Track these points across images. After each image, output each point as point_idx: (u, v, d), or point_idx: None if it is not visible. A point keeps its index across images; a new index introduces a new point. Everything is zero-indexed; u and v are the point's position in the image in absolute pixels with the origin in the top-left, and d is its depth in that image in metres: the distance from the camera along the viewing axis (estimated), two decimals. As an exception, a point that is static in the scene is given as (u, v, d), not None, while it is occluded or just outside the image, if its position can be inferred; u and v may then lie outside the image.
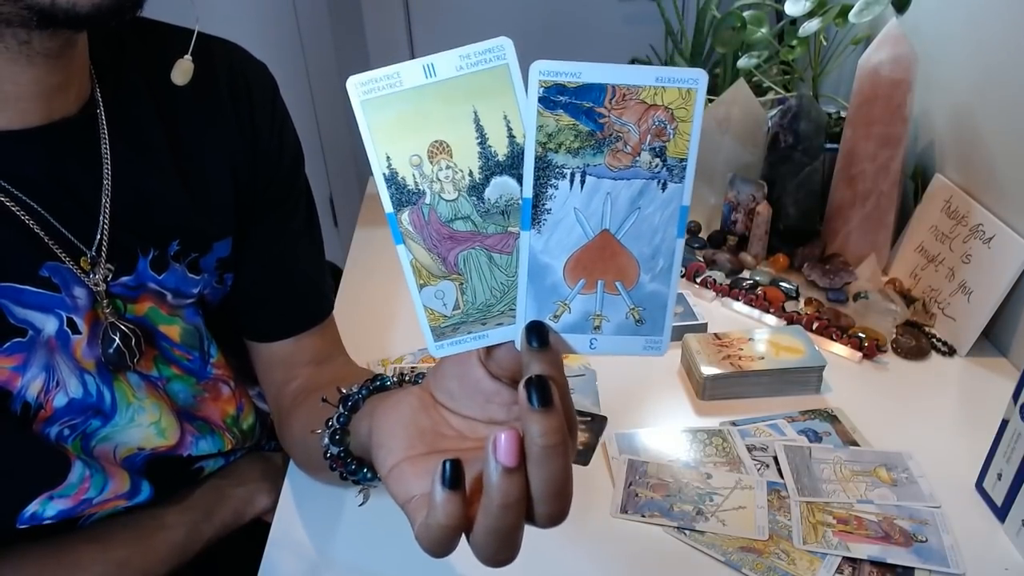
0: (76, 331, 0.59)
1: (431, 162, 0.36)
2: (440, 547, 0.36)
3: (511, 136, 0.35)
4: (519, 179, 0.36)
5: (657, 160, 0.35)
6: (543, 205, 0.36)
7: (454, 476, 0.35)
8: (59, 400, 0.59)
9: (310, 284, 0.75)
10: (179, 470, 0.71)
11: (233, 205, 0.68)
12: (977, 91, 0.94)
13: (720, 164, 1.10)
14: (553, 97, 0.34)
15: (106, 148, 0.60)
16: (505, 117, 0.35)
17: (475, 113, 0.35)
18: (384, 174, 0.36)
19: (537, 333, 0.36)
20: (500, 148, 0.36)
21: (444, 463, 0.35)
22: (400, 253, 0.37)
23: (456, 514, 0.35)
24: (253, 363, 0.75)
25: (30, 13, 0.48)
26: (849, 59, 1.14)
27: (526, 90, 0.34)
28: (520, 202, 0.36)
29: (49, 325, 0.58)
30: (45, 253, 0.57)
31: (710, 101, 1.12)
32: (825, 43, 1.14)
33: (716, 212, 1.13)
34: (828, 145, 1.04)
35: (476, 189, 0.36)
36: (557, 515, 0.36)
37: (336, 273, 1.11)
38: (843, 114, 1.09)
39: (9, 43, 0.51)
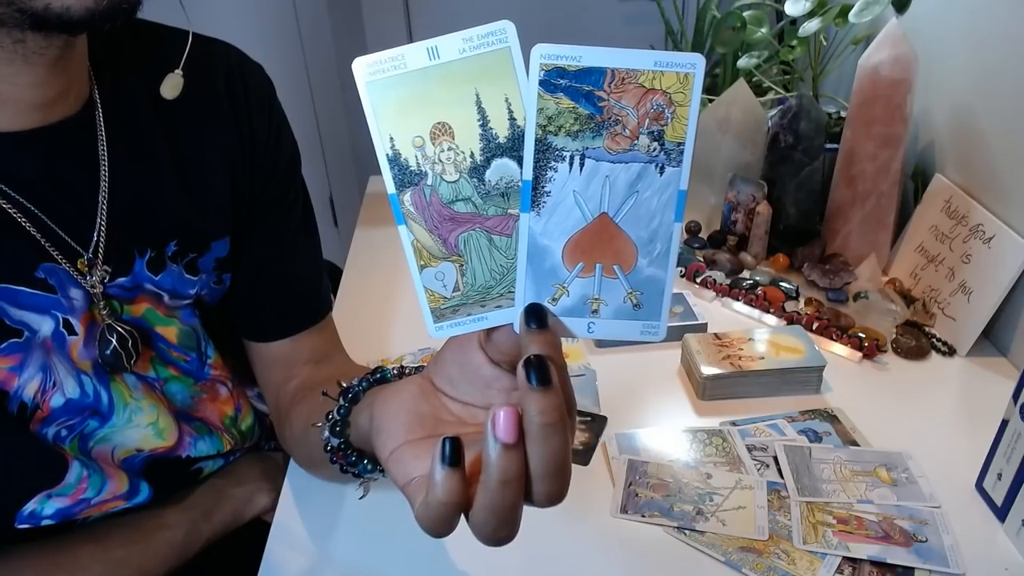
0: (72, 332, 0.59)
1: (433, 143, 0.36)
2: (440, 526, 0.36)
3: (512, 118, 0.36)
4: (519, 161, 0.36)
5: (655, 144, 0.35)
6: (543, 188, 0.36)
7: (454, 453, 0.35)
8: (56, 400, 0.59)
9: (308, 284, 0.75)
10: (178, 471, 0.71)
11: (231, 205, 0.68)
12: (977, 91, 0.94)
13: (720, 164, 1.10)
14: (554, 80, 0.34)
15: (103, 149, 0.60)
16: (506, 99, 0.35)
17: (477, 95, 0.35)
18: (387, 155, 0.36)
19: (536, 315, 0.37)
20: (501, 130, 0.36)
21: (444, 440, 0.35)
22: (401, 234, 0.37)
23: (456, 491, 0.35)
24: (252, 363, 0.75)
25: (22, 16, 0.48)
26: (849, 59, 1.14)
27: (527, 73, 0.35)
28: (520, 184, 0.36)
29: (45, 326, 0.58)
30: (41, 254, 0.57)
31: (710, 101, 1.11)
32: (825, 43, 1.14)
33: (716, 212, 1.13)
34: (828, 145, 1.04)
35: (477, 171, 0.36)
36: (556, 494, 0.36)
37: (336, 273, 1.11)
38: (843, 114, 1.09)
39: (3, 42, 0.50)
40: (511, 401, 0.40)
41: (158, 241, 0.64)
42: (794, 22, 1.08)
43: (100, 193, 0.60)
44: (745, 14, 1.10)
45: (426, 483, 0.36)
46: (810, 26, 1.00)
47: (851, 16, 0.94)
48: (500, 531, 0.36)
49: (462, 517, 0.36)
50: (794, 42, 1.11)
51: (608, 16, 2.24)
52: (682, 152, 0.36)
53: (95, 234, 0.60)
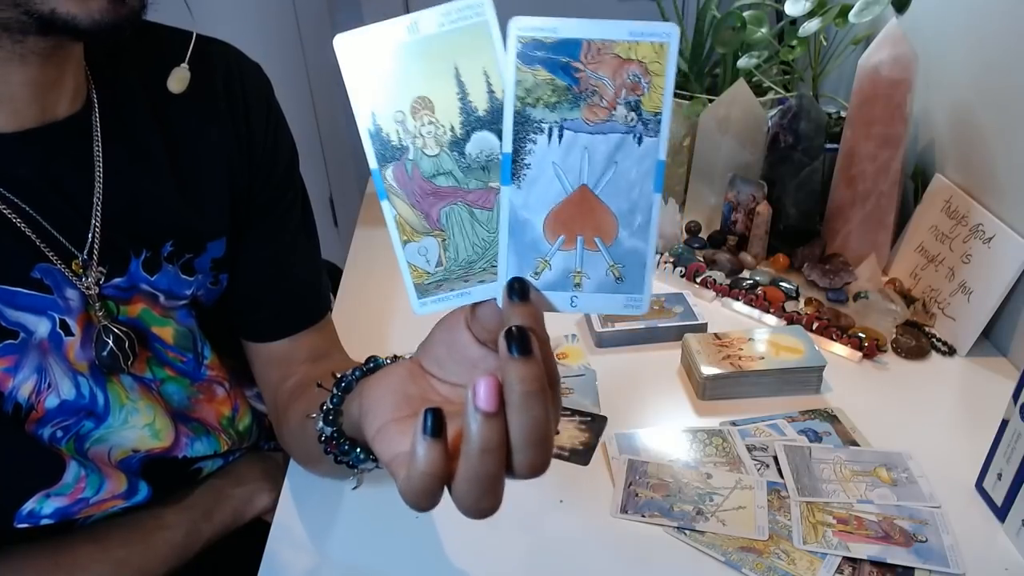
0: (69, 333, 0.59)
1: (414, 118, 0.36)
2: (423, 498, 0.36)
3: (491, 92, 0.36)
4: (499, 134, 0.36)
5: (632, 114, 0.36)
6: (522, 160, 0.36)
7: (435, 424, 0.35)
8: (50, 401, 0.59)
9: (306, 284, 0.75)
10: (176, 471, 0.71)
11: (228, 205, 0.68)
12: (977, 90, 0.94)
13: (720, 164, 1.10)
14: (531, 52, 0.35)
15: (99, 149, 0.60)
16: (485, 73, 0.36)
17: (456, 69, 0.36)
18: (369, 130, 0.36)
19: (518, 288, 0.37)
20: (480, 104, 0.36)
21: (425, 412, 0.35)
22: (384, 209, 0.37)
23: (438, 462, 0.35)
24: (250, 362, 0.75)
25: (28, 19, 0.48)
26: (849, 59, 1.14)
27: (505, 46, 0.35)
28: (500, 157, 0.36)
29: (41, 327, 0.58)
30: (36, 255, 0.57)
31: (710, 101, 1.11)
32: (825, 43, 1.14)
33: (716, 212, 1.13)
34: (828, 145, 1.04)
35: (457, 144, 0.37)
36: (538, 465, 0.36)
37: (336, 273, 1.11)
38: (843, 114, 1.09)
39: (3, 43, 0.51)
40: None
41: (154, 241, 0.64)
42: (794, 22, 1.08)
43: (95, 194, 0.60)
44: (745, 14, 1.10)
45: (410, 456, 0.36)
46: (810, 26, 1.00)
47: (851, 16, 0.94)
48: (482, 502, 0.36)
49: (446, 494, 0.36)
50: (794, 42, 1.11)
51: (608, 16, 2.24)
52: (659, 122, 0.36)
53: (90, 235, 0.60)
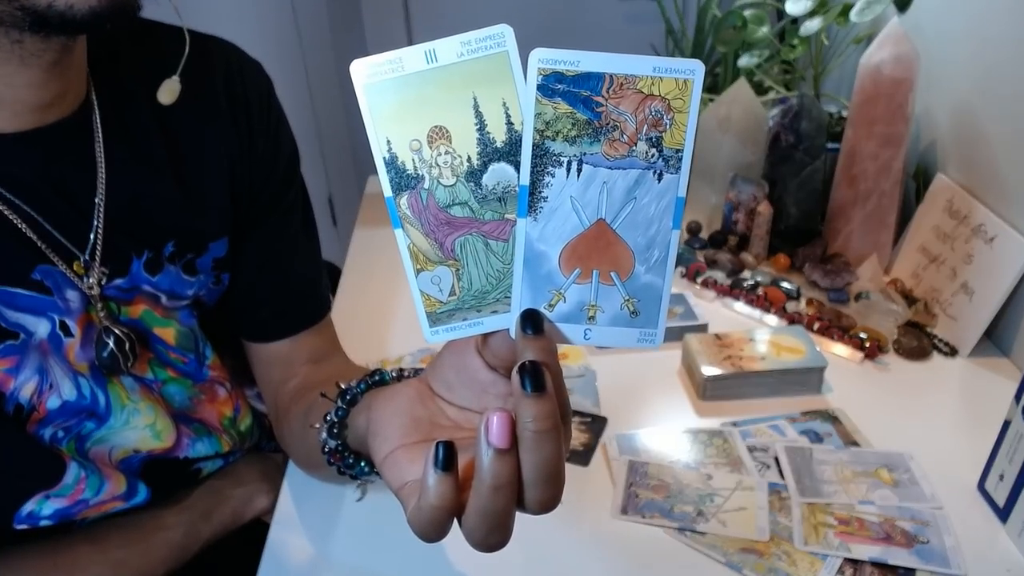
0: (69, 334, 0.59)
1: (430, 147, 0.36)
2: (432, 530, 0.36)
3: (510, 123, 0.36)
4: (517, 166, 0.36)
5: (653, 150, 0.35)
6: (540, 193, 0.36)
7: (447, 458, 0.35)
8: (52, 402, 0.59)
9: (307, 284, 0.75)
10: (176, 472, 0.71)
11: (229, 205, 0.68)
12: (979, 90, 0.93)
13: (721, 164, 1.10)
14: (552, 85, 0.34)
15: (100, 150, 0.60)
16: (504, 104, 0.35)
17: (475, 99, 0.35)
18: (384, 158, 0.36)
19: (532, 320, 0.37)
20: (498, 135, 0.36)
21: (437, 445, 0.35)
22: (398, 237, 0.37)
23: (448, 496, 0.35)
24: (251, 363, 0.75)
25: (24, 14, 0.47)
26: (850, 58, 1.14)
27: (525, 77, 0.34)
28: (517, 189, 0.36)
29: (41, 328, 0.58)
30: (37, 256, 0.57)
31: (711, 100, 1.11)
32: (826, 42, 1.14)
33: (717, 212, 1.13)
34: (829, 145, 1.04)
35: (474, 175, 0.36)
36: (548, 501, 0.36)
37: (335, 273, 1.11)
38: (844, 113, 1.08)
39: (1, 42, 0.50)
40: (507, 406, 0.40)
41: (155, 242, 0.63)
42: (795, 21, 1.08)
43: (97, 194, 0.59)
44: (746, 13, 1.10)
45: (419, 487, 0.36)
46: (811, 25, 1.00)
47: (852, 15, 0.93)
48: (491, 537, 0.36)
49: (455, 522, 0.36)
50: (795, 41, 1.11)
51: (608, 15, 2.24)
52: (680, 159, 0.35)
53: (92, 235, 0.60)
